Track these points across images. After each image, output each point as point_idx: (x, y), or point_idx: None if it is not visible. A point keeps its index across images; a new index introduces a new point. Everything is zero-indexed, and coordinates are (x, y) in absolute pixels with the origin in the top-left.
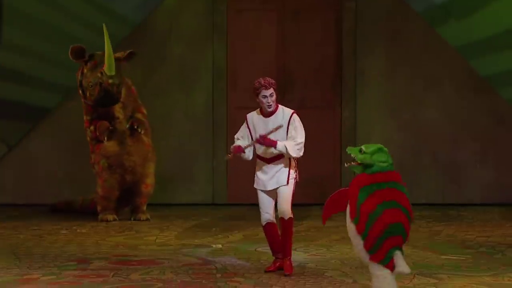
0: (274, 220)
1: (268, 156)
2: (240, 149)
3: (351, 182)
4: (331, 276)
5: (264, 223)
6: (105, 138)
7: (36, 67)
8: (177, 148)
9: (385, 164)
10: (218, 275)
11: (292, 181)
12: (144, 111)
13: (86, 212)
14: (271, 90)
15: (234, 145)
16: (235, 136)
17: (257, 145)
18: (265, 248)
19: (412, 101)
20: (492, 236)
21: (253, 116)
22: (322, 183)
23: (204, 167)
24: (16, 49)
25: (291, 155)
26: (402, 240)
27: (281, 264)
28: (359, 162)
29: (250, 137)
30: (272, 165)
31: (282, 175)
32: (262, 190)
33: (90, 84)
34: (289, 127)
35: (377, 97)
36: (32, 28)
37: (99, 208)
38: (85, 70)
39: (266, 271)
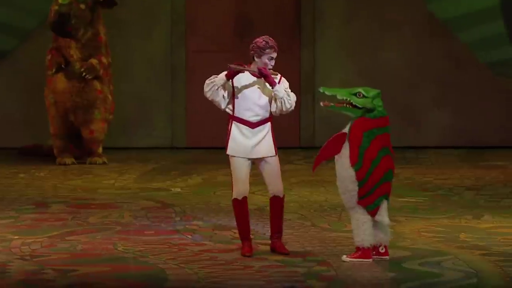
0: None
1: (253, 120)
2: (235, 71)
3: (351, 126)
4: (289, 219)
5: (240, 197)
6: (53, 70)
7: None
8: (136, 92)
9: (382, 109)
10: (177, 219)
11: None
12: (104, 60)
13: (53, 155)
14: (276, 54)
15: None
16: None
17: (244, 106)
18: (224, 192)
19: (371, 44)
20: (450, 179)
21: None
22: (280, 126)
23: (163, 111)
24: None
25: (287, 105)
26: (390, 186)
27: (275, 245)
28: (359, 105)
29: (232, 92)
30: (257, 131)
31: (268, 143)
32: (242, 158)
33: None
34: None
35: (336, 41)
36: None
37: (55, 150)
38: None
39: (244, 255)
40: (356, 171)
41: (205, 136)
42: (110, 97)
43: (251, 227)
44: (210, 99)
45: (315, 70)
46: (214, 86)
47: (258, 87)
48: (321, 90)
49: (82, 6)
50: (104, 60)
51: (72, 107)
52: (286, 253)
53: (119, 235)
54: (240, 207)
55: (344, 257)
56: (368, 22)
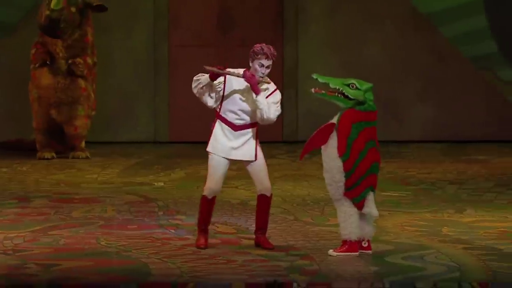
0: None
1: (236, 123)
2: (220, 68)
3: (341, 117)
4: (272, 214)
5: (210, 196)
6: (37, 64)
7: None
8: (119, 87)
9: (372, 103)
10: (160, 213)
11: (261, 154)
12: (89, 60)
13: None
14: (271, 62)
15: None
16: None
17: (230, 108)
18: None
19: (354, 39)
20: (432, 173)
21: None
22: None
23: (146, 106)
24: None
25: (268, 115)
26: (376, 179)
27: (259, 240)
28: (350, 96)
29: (223, 89)
30: (239, 134)
31: (250, 148)
32: (217, 156)
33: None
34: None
35: (319, 36)
36: None
37: (37, 145)
38: None
39: (198, 247)
40: (344, 161)
41: (188, 130)
42: (93, 95)
43: (234, 221)
44: (197, 96)
45: (298, 65)
46: (199, 84)
47: (248, 93)
48: (315, 77)
49: (73, 9)
50: (89, 60)
51: (56, 103)
52: (271, 248)
53: (102, 230)
54: (207, 205)
55: (330, 252)
56: (351, 17)
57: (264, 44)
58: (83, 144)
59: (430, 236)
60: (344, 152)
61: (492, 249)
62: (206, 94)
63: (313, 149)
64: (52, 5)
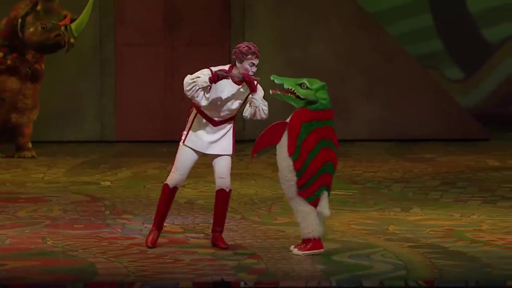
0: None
1: (217, 119)
2: (219, 77)
3: (292, 116)
4: None
5: (172, 186)
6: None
7: None
8: (65, 85)
9: (325, 102)
10: (107, 212)
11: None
12: (43, 65)
13: None
14: (258, 60)
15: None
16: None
17: (213, 106)
18: (154, 185)
19: (300, 37)
20: (379, 172)
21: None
22: None
23: (92, 104)
24: None
25: (262, 114)
26: (331, 178)
27: (216, 239)
28: (301, 96)
29: (208, 91)
30: (218, 129)
31: (227, 142)
32: (192, 149)
33: (43, 26)
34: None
35: (265, 33)
36: None
37: None
38: (38, 7)
39: (149, 246)
40: (294, 161)
41: (134, 129)
42: None
43: (181, 220)
44: (188, 97)
45: None
46: (195, 87)
47: (233, 94)
48: (272, 78)
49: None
50: (43, 65)
51: (21, 108)
52: (226, 247)
53: (48, 229)
54: (168, 194)
55: (295, 251)
56: (297, 15)
57: (248, 43)
58: (29, 144)
59: (377, 235)
60: (293, 151)
61: (438, 247)
62: (201, 95)
63: (263, 147)
64: (74, 32)
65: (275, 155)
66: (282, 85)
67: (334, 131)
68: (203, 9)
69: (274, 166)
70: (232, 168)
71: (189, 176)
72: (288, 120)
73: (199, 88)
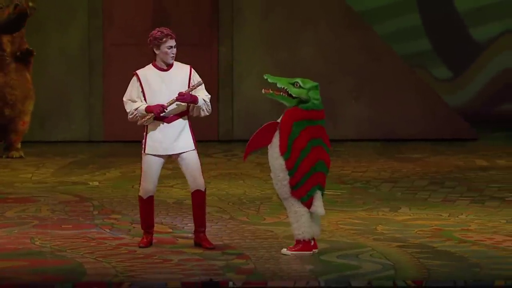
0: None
1: (167, 115)
2: (163, 107)
3: (283, 115)
4: (208, 213)
5: (145, 197)
6: None
7: None
8: (53, 85)
9: (317, 102)
10: (95, 212)
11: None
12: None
13: None
14: (175, 41)
15: (150, 106)
16: (128, 99)
17: (156, 103)
18: None
19: (289, 38)
20: (367, 171)
21: (146, 73)
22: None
23: (80, 105)
24: None
25: (206, 112)
26: (324, 177)
27: (199, 239)
28: (293, 95)
29: (143, 97)
30: (173, 125)
31: (187, 137)
32: (155, 156)
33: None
34: (191, 81)
35: (254, 35)
36: None
37: None
38: None
39: (140, 246)
40: (285, 160)
41: (122, 129)
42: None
43: (170, 220)
44: (131, 121)
45: (233, 65)
46: (135, 118)
47: (166, 88)
48: (265, 77)
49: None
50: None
51: (11, 101)
52: (212, 247)
53: (36, 229)
54: (145, 205)
55: (284, 251)
56: (285, 16)
57: (159, 28)
58: (19, 144)
59: (365, 235)
60: (285, 150)
61: (426, 247)
62: (145, 119)
63: (256, 148)
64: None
65: (264, 155)
66: (275, 84)
67: (325, 131)
68: (191, 11)
69: (262, 166)
70: (220, 168)
71: (177, 177)
72: (279, 120)
73: (138, 116)
